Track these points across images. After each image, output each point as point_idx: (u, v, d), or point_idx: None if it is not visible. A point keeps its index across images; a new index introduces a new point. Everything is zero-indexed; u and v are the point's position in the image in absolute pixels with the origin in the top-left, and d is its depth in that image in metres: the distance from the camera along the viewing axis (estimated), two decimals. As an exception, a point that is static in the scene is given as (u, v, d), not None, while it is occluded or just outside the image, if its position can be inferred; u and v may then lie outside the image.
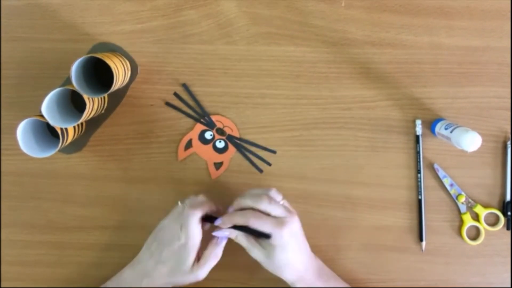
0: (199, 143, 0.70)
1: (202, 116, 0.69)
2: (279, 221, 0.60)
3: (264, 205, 0.61)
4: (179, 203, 0.64)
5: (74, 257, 0.73)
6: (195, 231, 0.61)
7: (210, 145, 0.70)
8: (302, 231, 0.64)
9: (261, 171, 0.69)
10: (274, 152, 0.70)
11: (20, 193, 0.72)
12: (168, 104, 0.70)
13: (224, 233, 0.63)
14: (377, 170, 0.71)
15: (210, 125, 0.69)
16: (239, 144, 0.69)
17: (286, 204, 0.64)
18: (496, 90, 0.70)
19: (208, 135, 0.69)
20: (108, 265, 0.72)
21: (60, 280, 0.73)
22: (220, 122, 0.69)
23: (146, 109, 0.71)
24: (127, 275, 0.65)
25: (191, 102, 0.70)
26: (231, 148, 0.70)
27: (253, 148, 0.71)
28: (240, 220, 0.62)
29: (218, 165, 0.70)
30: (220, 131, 0.69)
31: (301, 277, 0.64)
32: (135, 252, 0.72)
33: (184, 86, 0.69)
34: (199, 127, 0.70)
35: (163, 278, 0.63)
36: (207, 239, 0.63)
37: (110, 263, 0.72)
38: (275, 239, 0.60)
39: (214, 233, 0.63)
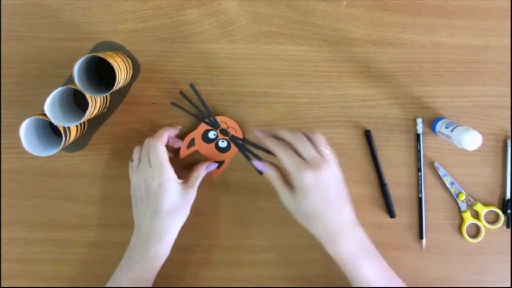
0: (202, 142, 0.70)
1: (207, 116, 0.69)
2: (305, 163, 0.59)
3: (297, 142, 0.60)
4: (134, 158, 0.67)
5: (76, 254, 0.73)
6: (161, 155, 0.63)
7: (213, 144, 0.70)
8: (338, 184, 0.61)
9: (260, 173, 0.69)
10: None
11: (22, 191, 0.72)
12: (173, 104, 0.70)
13: (265, 167, 0.64)
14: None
15: (215, 125, 0.69)
16: (242, 145, 0.69)
17: (328, 151, 0.61)
18: (496, 89, 0.71)
19: (211, 134, 0.69)
20: (109, 263, 0.72)
21: (62, 277, 0.73)
22: (225, 122, 0.69)
23: (148, 107, 0.71)
24: (135, 246, 0.66)
25: (196, 102, 0.70)
26: (233, 148, 0.70)
27: (255, 149, 0.70)
28: (269, 144, 0.62)
29: (219, 164, 0.71)
30: (224, 132, 0.69)
31: (331, 240, 0.60)
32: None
33: (191, 86, 0.69)
34: (203, 126, 0.70)
35: (166, 223, 0.64)
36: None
37: (111, 260, 0.72)
38: (296, 181, 0.59)
39: (254, 163, 0.65)
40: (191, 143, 0.70)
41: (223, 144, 0.70)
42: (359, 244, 0.62)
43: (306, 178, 0.58)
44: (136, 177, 0.65)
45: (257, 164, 0.65)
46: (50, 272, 0.73)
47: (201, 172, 0.68)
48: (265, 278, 0.73)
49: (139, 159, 0.65)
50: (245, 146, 0.68)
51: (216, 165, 0.70)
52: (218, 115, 0.70)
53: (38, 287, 0.73)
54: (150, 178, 0.63)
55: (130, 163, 0.67)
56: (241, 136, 0.70)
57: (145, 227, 0.65)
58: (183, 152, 0.70)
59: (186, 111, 0.69)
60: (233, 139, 0.69)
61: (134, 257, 0.65)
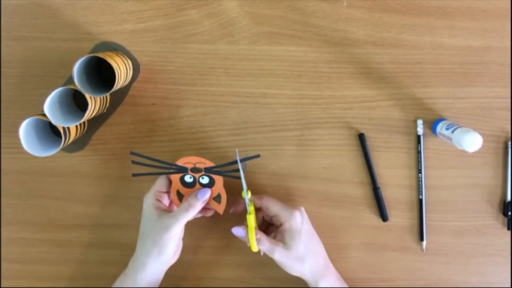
0: (186, 189, 0.66)
1: (169, 167, 0.64)
2: (290, 206, 0.65)
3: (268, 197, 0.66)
4: None
5: (76, 255, 0.73)
6: (148, 201, 0.64)
7: (197, 185, 0.66)
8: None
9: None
10: (258, 156, 0.63)
11: (22, 191, 0.72)
12: (134, 175, 0.65)
13: (243, 231, 0.64)
14: (378, 170, 0.71)
15: (182, 169, 0.64)
16: (220, 171, 0.64)
17: None
18: (497, 91, 0.70)
19: (187, 178, 0.65)
20: (109, 263, 0.73)
21: (62, 278, 0.73)
22: (189, 162, 0.63)
23: (147, 108, 0.71)
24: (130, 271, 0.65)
25: (152, 161, 0.64)
26: (218, 178, 0.65)
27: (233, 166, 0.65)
28: (256, 200, 0.65)
29: (217, 199, 0.67)
30: (195, 170, 0.64)
31: (323, 272, 0.66)
32: (134, 250, 0.73)
33: (133, 153, 0.63)
34: (175, 177, 0.65)
35: (145, 259, 0.63)
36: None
37: (111, 261, 0.73)
38: (288, 222, 0.63)
39: (233, 229, 0.64)
40: (180, 194, 0.67)
41: (204, 180, 0.65)
42: (339, 276, 0.69)
43: (297, 217, 0.64)
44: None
45: (237, 231, 0.64)
46: (50, 272, 0.73)
47: (191, 203, 0.62)
48: (265, 279, 0.73)
49: None
50: (224, 171, 0.64)
51: (209, 190, 0.64)
52: (176, 160, 0.64)
53: (38, 287, 0.73)
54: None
55: None
56: (211, 164, 0.63)
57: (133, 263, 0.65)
58: (179, 204, 0.67)
59: (151, 173, 0.64)
60: (208, 170, 0.64)
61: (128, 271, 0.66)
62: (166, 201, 0.67)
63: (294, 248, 0.63)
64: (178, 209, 0.62)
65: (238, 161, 0.62)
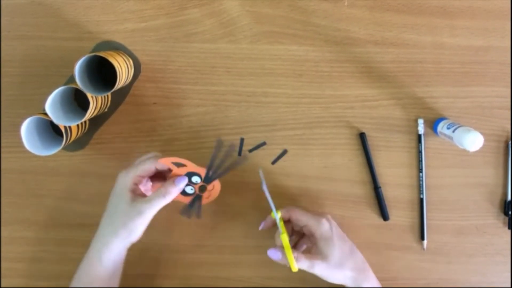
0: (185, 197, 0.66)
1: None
2: (316, 214, 0.65)
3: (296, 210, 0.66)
4: None
5: (76, 254, 0.72)
6: (125, 183, 0.62)
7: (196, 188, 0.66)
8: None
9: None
10: (264, 143, 0.68)
11: (22, 190, 0.72)
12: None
13: (278, 252, 0.62)
14: (379, 169, 0.71)
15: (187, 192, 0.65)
16: (217, 175, 0.64)
17: None
18: (498, 90, 0.70)
19: (188, 190, 0.65)
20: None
21: (62, 277, 0.73)
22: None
23: (148, 107, 0.71)
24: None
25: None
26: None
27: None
28: (283, 213, 0.65)
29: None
30: (200, 186, 0.65)
31: (364, 276, 0.65)
32: (136, 249, 0.72)
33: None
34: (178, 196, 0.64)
35: (112, 239, 0.61)
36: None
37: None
38: (319, 231, 0.63)
39: (269, 252, 0.63)
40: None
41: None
42: (377, 280, 0.67)
43: (325, 224, 0.64)
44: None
45: (273, 254, 0.63)
46: (51, 271, 0.73)
47: (168, 190, 0.61)
48: (265, 279, 0.73)
49: None
50: (220, 173, 0.64)
51: (186, 178, 0.63)
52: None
53: (39, 286, 0.73)
54: (116, 181, 0.63)
55: None
56: (191, 165, 0.63)
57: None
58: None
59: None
60: (207, 180, 0.64)
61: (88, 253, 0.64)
62: (141, 186, 0.64)
63: (330, 256, 0.62)
64: (154, 195, 0.61)
65: (264, 184, 0.62)
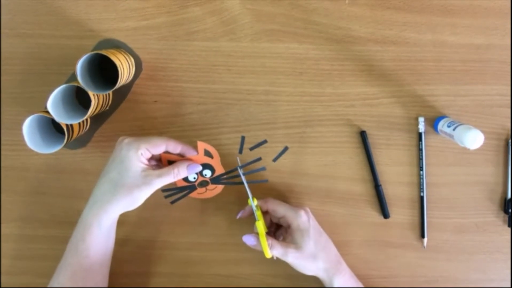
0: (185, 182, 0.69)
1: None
2: (295, 206, 0.67)
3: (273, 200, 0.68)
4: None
5: (78, 252, 0.73)
6: (153, 139, 0.62)
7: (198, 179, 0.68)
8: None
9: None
10: (265, 141, 0.71)
11: (24, 188, 0.73)
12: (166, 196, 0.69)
13: (254, 238, 0.65)
14: (379, 167, 0.71)
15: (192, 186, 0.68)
16: (224, 181, 0.68)
17: None
18: (498, 88, 0.70)
19: (191, 177, 0.67)
20: (111, 260, 0.73)
21: (64, 274, 0.74)
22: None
23: (150, 105, 0.71)
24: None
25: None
26: (217, 167, 0.68)
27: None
28: (261, 204, 0.67)
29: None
30: (203, 182, 0.68)
31: (336, 269, 0.66)
32: (137, 246, 0.73)
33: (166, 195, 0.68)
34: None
35: (113, 207, 0.61)
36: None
37: (113, 257, 0.73)
38: (296, 222, 0.65)
39: (244, 238, 0.65)
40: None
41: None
42: (352, 273, 0.69)
43: (303, 216, 0.65)
44: (123, 137, 0.63)
45: (248, 239, 0.65)
46: (52, 268, 0.73)
47: (179, 169, 0.63)
48: (266, 276, 0.73)
49: None
50: (227, 181, 0.68)
51: (200, 167, 0.65)
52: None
53: (40, 284, 0.74)
54: (126, 142, 0.61)
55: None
56: (216, 165, 0.67)
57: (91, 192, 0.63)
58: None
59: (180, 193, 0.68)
60: (215, 181, 0.68)
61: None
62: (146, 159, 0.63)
63: (304, 246, 0.64)
64: (166, 171, 0.62)
65: (240, 170, 0.65)
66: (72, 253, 0.63)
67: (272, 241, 0.64)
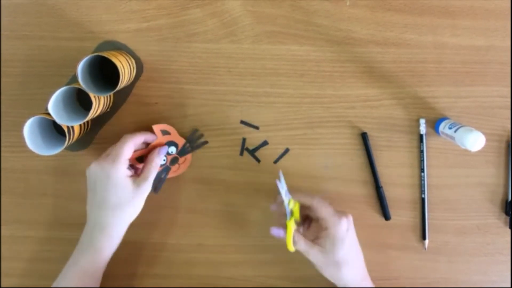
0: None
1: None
2: (339, 212, 0.64)
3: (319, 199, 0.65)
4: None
5: (79, 253, 0.73)
6: (124, 148, 0.64)
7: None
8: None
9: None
10: (257, 127, 0.71)
11: (25, 190, 0.73)
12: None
13: (282, 231, 0.64)
14: (380, 169, 0.71)
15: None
16: (190, 150, 0.71)
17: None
18: (499, 90, 0.70)
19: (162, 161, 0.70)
20: (112, 262, 0.73)
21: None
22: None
23: (151, 107, 0.71)
24: (81, 237, 0.66)
25: None
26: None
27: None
28: (304, 198, 0.65)
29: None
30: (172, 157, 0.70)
31: (362, 280, 0.65)
32: (139, 248, 0.73)
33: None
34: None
35: (112, 216, 0.64)
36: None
37: (114, 259, 0.73)
38: (334, 229, 0.62)
39: (273, 231, 0.64)
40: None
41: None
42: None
43: (343, 226, 0.63)
44: (93, 164, 0.64)
45: (276, 232, 0.64)
46: (53, 271, 0.73)
47: (155, 162, 0.67)
48: (267, 278, 0.73)
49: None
50: (194, 148, 0.70)
51: (167, 147, 0.69)
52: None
53: (40, 286, 0.73)
54: (101, 168, 0.63)
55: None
56: (177, 139, 0.70)
57: (92, 218, 0.65)
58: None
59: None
60: (181, 153, 0.70)
61: (81, 249, 0.65)
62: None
63: (331, 253, 0.62)
64: (147, 170, 0.66)
65: (279, 184, 0.64)
66: (83, 253, 0.65)
67: (298, 238, 0.63)
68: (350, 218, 0.65)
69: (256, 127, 0.71)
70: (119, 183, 0.63)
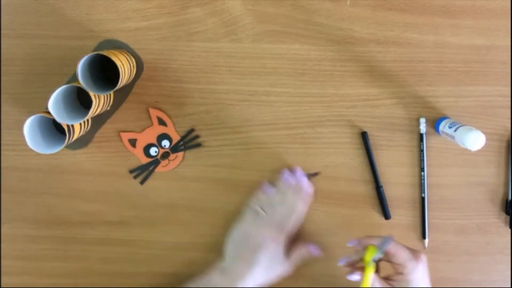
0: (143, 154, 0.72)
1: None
2: (416, 254, 0.61)
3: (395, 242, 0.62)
4: (258, 208, 0.68)
5: (79, 252, 0.74)
6: (281, 246, 0.67)
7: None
8: None
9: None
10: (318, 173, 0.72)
11: (25, 189, 0.73)
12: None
13: (358, 273, 0.62)
14: (380, 168, 0.71)
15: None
16: (184, 147, 0.71)
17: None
18: (500, 89, 0.70)
19: (153, 152, 0.71)
20: (112, 260, 0.73)
21: (65, 274, 0.74)
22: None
23: (151, 106, 0.71)
24: (217, 280, 0.67)
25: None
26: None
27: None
28: (377, 242, 0.62)
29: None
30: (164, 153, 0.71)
31: None
32: (139, 247, 0.73)
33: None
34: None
35: (260, 277, 0.66)
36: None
37: (114, 258, 0.73)
38: (411, 275, 0.60)
39: (348, 276, 0.62)
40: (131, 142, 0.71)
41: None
42: None
43: (420, 270, 0.60)
44: (257, 227, 0.68)
45: (352, 278, 0.62)
46: (53, 269, 0.74)
47: (303, 254, 0.69)
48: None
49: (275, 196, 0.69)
50: (187, 147, 0.70)
51: (318, 251, 0.70)
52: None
53: (40, 284, 0.74)
54: (269, 232, 0.67)
55: (257, 208, 0.69)
56: (172, 133, 0.70)
57: (236, 269, 0.66)
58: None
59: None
60: (174, 150, 0.71)
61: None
62: None
63: None
64: (296, 255, 0.68)
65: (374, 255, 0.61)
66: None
67: (374, 279, 0.61)
68: (424, 260, 0.62)
69: (316, 174, 0.72)
70: (275, 253, 0.67)
